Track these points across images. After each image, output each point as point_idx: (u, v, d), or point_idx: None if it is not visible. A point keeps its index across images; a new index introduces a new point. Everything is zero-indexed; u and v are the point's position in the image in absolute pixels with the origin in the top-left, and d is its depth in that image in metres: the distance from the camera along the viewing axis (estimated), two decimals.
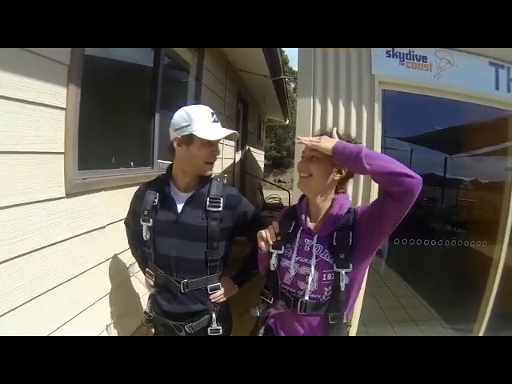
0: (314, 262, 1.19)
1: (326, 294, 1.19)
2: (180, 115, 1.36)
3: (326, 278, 1.18)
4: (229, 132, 1.39)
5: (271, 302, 1.27)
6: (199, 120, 1.33)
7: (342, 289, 1.16)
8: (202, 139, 1.32)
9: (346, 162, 1.14)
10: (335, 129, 1.25)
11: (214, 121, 1.37)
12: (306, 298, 1.19)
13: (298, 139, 1.22)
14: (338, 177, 1.23)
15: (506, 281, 2.47)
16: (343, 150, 1.10)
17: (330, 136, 1.20)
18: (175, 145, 1.37)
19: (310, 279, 1.18)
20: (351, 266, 1.16)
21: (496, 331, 2.51)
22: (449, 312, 2.67)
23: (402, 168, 1.04)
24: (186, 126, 1.32)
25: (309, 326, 1.22)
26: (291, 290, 1.23)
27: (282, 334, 1.29)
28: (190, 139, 1.33)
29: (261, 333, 1.33)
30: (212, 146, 1.37)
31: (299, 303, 1.20)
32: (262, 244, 1.25)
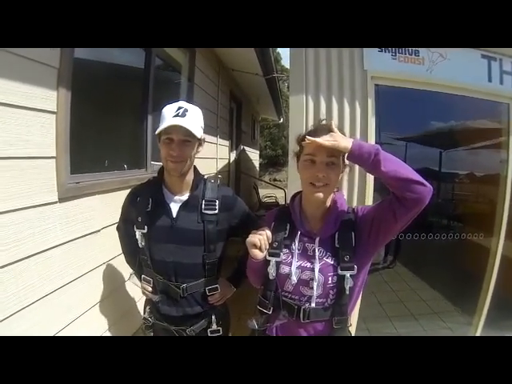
0: (317, 265, 1.12)
1: (331, 297, 1.13)
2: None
3: (332, 280, 1.12)
4: (170, 123, 1.24)
5: (270, 312, 1.18)
6: (163, 117, 1.28)
7: (347, 292, 1.11)
8: (159, 135, 1.29)
9: (362, 163, 1.06)
10: (333, 122, 1.17)
11: (176, 115, 1.25)
12: (313, 304, 1.12)
13: (307, 140, 1.08)
14: (340, 177, 1.17)
15: (504, 272, 2.48)
16: (360, 149, 1.03)
17: (330, 130, 1.09)
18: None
19: (315, 284, 1.11)
20: (355, 268, 1.11)
21: (495, 323, 2.52)
22: (448, 305, 2.67)
23: (415, 175, 1.01)
24: (159, 125, 1.28)
25: (314, 331, 1.16)
26: (294, 297, 1.16)
27: None
28: (158, 137, 1.31)
29: None
30: (171, 144, 1.27)
31: (302, 311, 1.13)
32: (256, 252, 1.13)
